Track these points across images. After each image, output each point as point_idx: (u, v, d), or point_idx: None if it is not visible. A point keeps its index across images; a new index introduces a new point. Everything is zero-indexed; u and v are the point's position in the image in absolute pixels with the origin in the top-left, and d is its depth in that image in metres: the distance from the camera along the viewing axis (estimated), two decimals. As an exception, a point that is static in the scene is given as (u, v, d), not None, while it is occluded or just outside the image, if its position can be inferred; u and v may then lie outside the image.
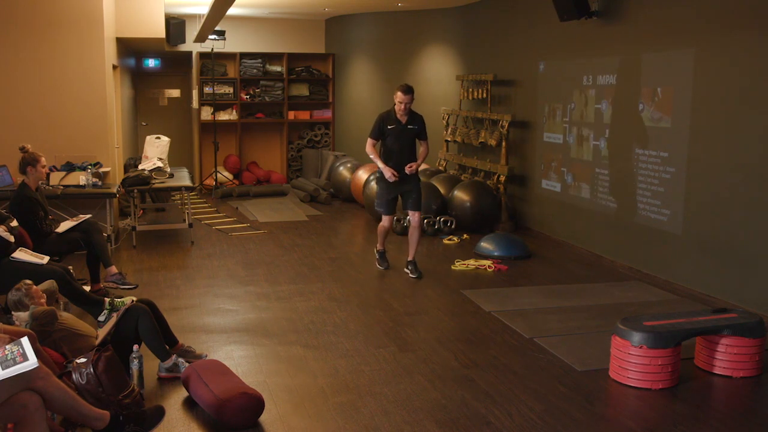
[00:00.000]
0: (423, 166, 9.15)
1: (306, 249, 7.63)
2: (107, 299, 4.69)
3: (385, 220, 6.66)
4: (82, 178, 7.34)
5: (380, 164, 6.43)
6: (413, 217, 6.53)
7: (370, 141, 6.55)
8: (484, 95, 8.97)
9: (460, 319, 5.35)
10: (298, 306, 5.62)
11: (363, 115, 12.13)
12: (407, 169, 6.36)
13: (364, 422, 3.66)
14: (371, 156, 6.52)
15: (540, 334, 4.98)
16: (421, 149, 6.53)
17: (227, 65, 12.35)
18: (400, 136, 6.39)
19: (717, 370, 4.30)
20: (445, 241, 7.97)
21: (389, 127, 6.39)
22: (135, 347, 3.95)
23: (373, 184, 9.14)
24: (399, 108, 6.33)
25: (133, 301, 4.32)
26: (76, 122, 7.78)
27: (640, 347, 4.05)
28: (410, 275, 6.47)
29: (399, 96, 6.31)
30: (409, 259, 6.58)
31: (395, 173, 6.35)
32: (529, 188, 8.53)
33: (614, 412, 3.93)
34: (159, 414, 3.56)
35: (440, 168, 9.98)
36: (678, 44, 6.09)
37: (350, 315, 5.42)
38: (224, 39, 11.43)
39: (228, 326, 5.13)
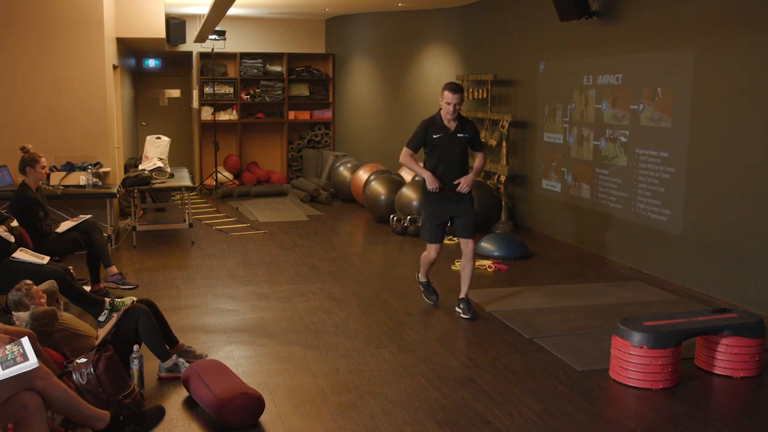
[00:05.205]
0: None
1: (306, 249, 7.63)
2: (107, 299, 4.71)
3: (432, 250, 5.47)
4: (82, 178, 7.34)
5: (421, 171, 5.34)
6: (465, 246, 5.42)
7: (406, 151, 5.35)
8: (485, 95, 8.97)
9: (459, 319, 5.35)
10: (298, 306, 5.62)
11: (363, 115, 12.14)
12: (457, 187, 5.31)
13: (364, 422, 3.66)
14: (408, 165, 5.39)
15: (540, 334, 4.98)
16: (476, 161, 5.45)
17: (227, 65, 12.36)
18: (447, 146, 5.27)
19: (717, 370, 4.30)
20: (446, 241, 7.94)
21: (434, 136, 5.25)
22: (135, 347, 3.95)
23: (375, 185, 9.16)
24: (446, 111, 5.18)
25: (133, 301, 4.32)
26: (77, 122, 7.78)
27: (641, 347, 4.05)
28: (462, 315, 5.38)
29: (446, 96, 5.13)
30: (461, 296, 5.47)
31: (440, 183, 5.29)
32: (529, 188, 8.53)
33: (614, 412, 3.93)
34: (159, 414, 3.56)
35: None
36: (678, 44, 6.09)
37: (350, 315, 5.42)
38: (224, 39, 11.43)
39: (228, 326, 5.13)
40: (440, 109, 5.27)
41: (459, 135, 5.29)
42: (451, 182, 5.32)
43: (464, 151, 5.38)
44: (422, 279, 5.73)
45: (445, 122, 5.27)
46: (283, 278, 6.45)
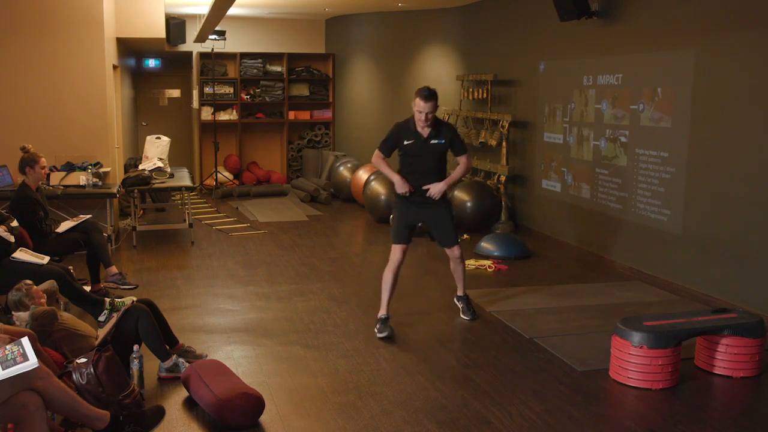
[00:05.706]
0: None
1: (306, 249, 7.63)
2: (107, 299, 4.70)
3: (396, 251, 5.08)
4: (82, 178, 7.34)
5: (390, 174, 5.06)
6: (451, 253, 5.25)
7: (377, 153, 5.08)
8: (485, 95, 8.97)
9: (460, 319, 5.35)
10: (298, 306, 5.62)
11: (363, 115, 12.14)
12: (427, 192, 5.03)
13: (364, 422, 3.66)
14: (379, 167, 5.13)
15: (540, 334, 4.98)
16: (458, 167, 5.15)
17: (227, 65, 12.36)
18: (420, 154, 4.98)
19: (717, 370, 4.30)
20: (445, 241, 7.95)
21: (406, 142, 4.98)
22: (135, 347, 3.95)
23: (375, 185, 9.15)
24: (418, 119, 4.91)
25: (133, 301, 4.32)
26: (76, 122, 7.78)
27: (641, 347, 4.05)
28: (462, 316, 5.36)
29: (418, 103, 4.83)
30: (459, 294, 5.44)
31: (410, 187, 5.01)
32: (529, 188, 8.52)
33: (614, 412, 3.93)
34: (159, 414, 3.56)
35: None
36: (678, 44, 6.09)
37: (350, 315, 5.42)
38: (224, 39, 11.43)
39: (228, 326, 5.13)
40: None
41: (433, 142, 4.97)
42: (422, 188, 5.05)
43: (440, 158, 5.06)
44: (382, 314, 5.05)
45: (419, 128, 4.97)
46: (283, 278, 6.45)
